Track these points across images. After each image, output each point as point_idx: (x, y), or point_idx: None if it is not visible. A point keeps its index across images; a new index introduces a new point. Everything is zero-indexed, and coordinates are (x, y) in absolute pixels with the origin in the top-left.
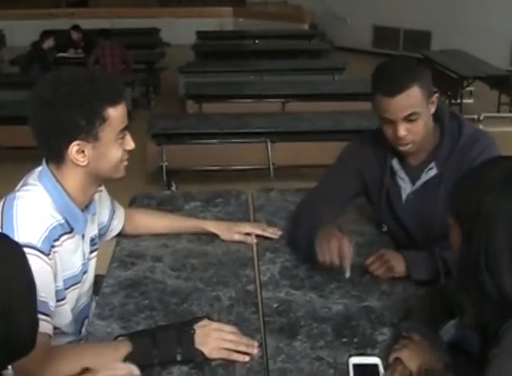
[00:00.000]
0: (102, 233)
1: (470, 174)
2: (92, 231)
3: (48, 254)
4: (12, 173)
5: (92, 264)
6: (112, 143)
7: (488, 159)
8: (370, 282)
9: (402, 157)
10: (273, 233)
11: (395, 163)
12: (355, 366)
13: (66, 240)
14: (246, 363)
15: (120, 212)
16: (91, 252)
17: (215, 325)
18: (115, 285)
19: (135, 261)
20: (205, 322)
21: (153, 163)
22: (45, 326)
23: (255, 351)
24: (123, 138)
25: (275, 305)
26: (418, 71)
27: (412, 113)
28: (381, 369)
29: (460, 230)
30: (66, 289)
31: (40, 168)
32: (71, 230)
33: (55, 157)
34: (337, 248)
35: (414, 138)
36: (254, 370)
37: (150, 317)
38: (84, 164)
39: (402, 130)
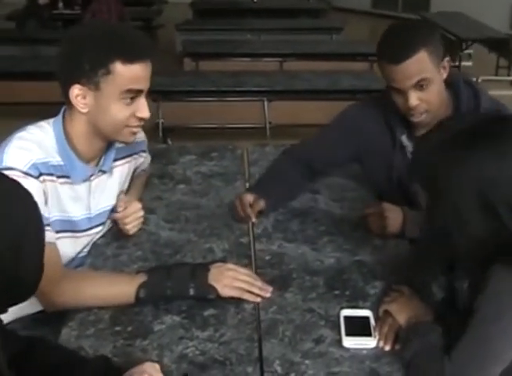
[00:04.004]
0: None
1: (425, 139)
2: (106, 199)
3: (38, 177)
4: (8, 129)
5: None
6: (114, 99)
7: (440, 121)
8: (363, 236)
9: (412, 130)
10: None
11: (404, 138)
12: (346, 318)
13: (63, 183)
14: (237, 313)
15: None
16: (99, 225)
17: (230, 265)
18: (108, 236)
19: None
20: (220, 263)
21: (149, 119)
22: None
23: (268, 295)
24: (131, 99)
25: (267, 258)
26: (425, 34)
27: (421, 79)
28: (372, 321)
29: (427, 198)
30: (56, 232)
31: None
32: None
33: (65, 98)
34: (241, 209)
35: (428, 107)
36: (246, 320)
37: (143, 268)
38: (84, 111)
39: (414, 99)
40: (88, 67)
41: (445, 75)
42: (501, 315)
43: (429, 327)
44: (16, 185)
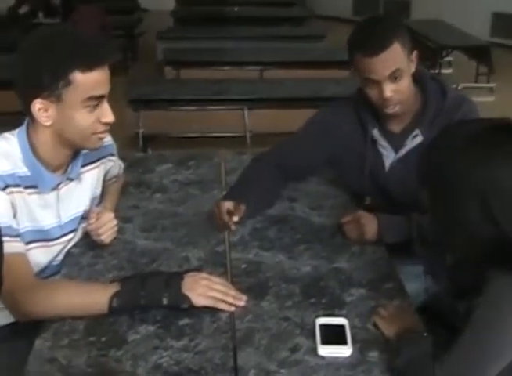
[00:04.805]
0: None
1: (433, 142)
2: (76, 206)
3: (4, 189)
4: None
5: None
6: (77, 108)
7: (448, 125)
8: (340, 243)
9: (383, 125)
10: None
11: (375, 132)
12: (322, 326)
13: (31, 193)
14: (213, 322)
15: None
16: (70, 232)
17: (204, 274)
18: (83, 245)
19: None
20: (195, 272)
21: (130, 129)
22: (14, 246)
23: (242, 303)
24: (95, 107)
25: (243, 266)
26: (397, 28)
27: (395, 70)
28: (348, 329)
29: (428, 197)
30: (28, 243)
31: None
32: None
33: (26, 112)
34: (219, 217)
35: (401, 97)
36: (221, 329)
37: (118, 277)
38: (47, 123)
39: (388, 91)
40: (48, 81)
41: (413, 68)
42: (495, 322)
43: (420, 336)
44: None
